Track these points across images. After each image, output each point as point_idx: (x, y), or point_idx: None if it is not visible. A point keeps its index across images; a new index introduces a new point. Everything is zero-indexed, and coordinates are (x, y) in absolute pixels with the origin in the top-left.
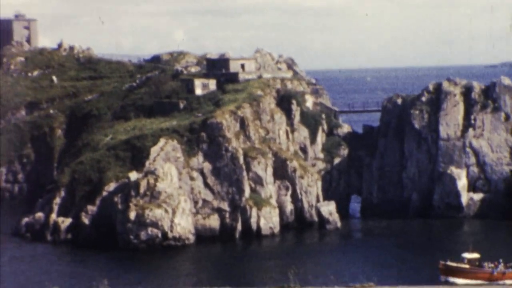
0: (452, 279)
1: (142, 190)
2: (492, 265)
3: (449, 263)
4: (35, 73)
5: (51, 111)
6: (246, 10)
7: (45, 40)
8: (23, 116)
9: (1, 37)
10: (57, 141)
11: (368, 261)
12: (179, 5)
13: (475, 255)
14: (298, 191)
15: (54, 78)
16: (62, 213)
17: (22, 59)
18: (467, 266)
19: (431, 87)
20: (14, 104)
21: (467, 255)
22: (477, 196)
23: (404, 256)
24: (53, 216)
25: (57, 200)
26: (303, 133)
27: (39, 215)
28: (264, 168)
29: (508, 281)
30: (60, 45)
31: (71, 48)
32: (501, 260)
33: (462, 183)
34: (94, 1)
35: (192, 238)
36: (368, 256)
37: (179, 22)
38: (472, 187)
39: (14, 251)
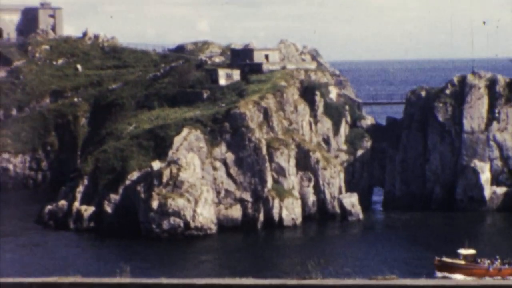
0: (448, 275)
1: (165, 179)
2: (489, 261)
3: (445, 259)
4: (60, 61)
5: (76, 100)
6: (271, 1)
7: (70, 29)
8: (48, 104)
9: (27, 25)
10: (81, 130)
11: (390, 253)
12: None
13: (471, 251)
14: (321, 182)
15: (79, 66)
16: (85, 201)
17: (47, 47)
18: (462, 262)
19: (455, 80)
20: (39, 92)
21: (462, 251)
22: (500, 190)
23: (426, 249)
24: (76, 204)
25: (80, 188)
26: (326, 124)
27: (62, 203)
28: (287, 159)
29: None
30: (85, 34)
31: (96, 37)
32: (497, 257)
33: (485, 176)
34: None
35: (214, 228)
36: (390, 248)
37: (203, 12)
38: (495, 181)
39: (36, 238)
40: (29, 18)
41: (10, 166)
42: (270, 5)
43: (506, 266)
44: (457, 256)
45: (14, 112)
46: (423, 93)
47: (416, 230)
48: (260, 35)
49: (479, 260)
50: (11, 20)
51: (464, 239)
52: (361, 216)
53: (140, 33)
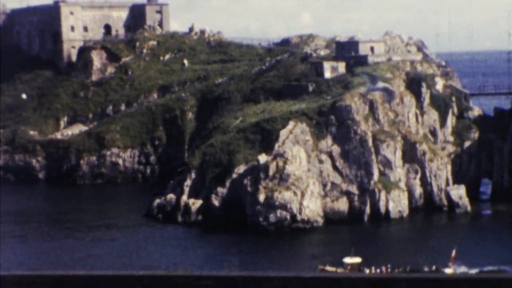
0: None
1: (271, 172)
2: (379, 270)
3: (328, 267)
4: (167, 56)
5: (183, 94)
6: None
7: (176, 24)
8: (155, 99)
9: (134, 22)
10: (188, 124)
11: (500, 245)
12: None
13: (357, 260)
14: (427, 174)
15: (185, 61)
16: (192, 194)
17: (154, 43)
18: (346, 271)
19: None
20: (147, 88)
21: (347, 260)
22: None
23: None
24: (184, 197)
25: (188, 182)
26: (432, 116)
27: (171, 196)
28: (393, 151)
29: None
30: (191, 29)
31: (202, 32)
32: (389, 265)
33: None
34: None
35: (320, 220)
36: (499, 240)
37: (307, 5)
38: None
39: (146, 232)
40: (136, 15)
41: (120, 161)
42: None
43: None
44: (342, 264)
45: (122, 107)
46: None
47: None
48: (364, 27)
49: (365, 269)
50: (119, 17)
51: None
52: (468, 208)
53: (244, 27)
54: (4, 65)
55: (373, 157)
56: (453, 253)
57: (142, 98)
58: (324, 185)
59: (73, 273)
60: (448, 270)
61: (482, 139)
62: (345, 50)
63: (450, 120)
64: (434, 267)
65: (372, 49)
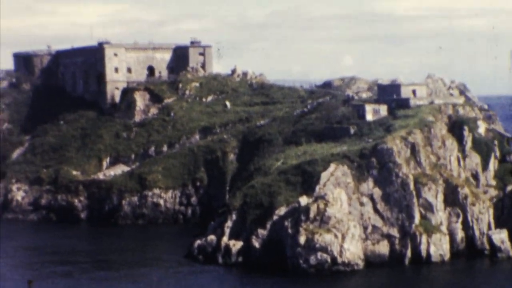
0: None
1: (312, 214)
2: None
3: None
4: (209, 98)
5: (224, 136)
6: (416, 36)
7: (219, 66)
8: (197, 140)
9: (178, 63)
10: (230, 165)
11: None
12: (347, 31)
13: None
14: (469, 218)
15: (228, 103)
16: (233, 236)
17: (197, 84)
18: None
19: None
20: (189, 129)
21: None
22: None
23: None
24: (225, 239)
25: (229, 223)
26: (475, 159)
27: (211, 237)
28: (434, 195)
29: None
30: (233, 71)
31: (244, 74)
32: None
33: None
34: (265, 28)
35: (361, 263)
36: None
37: (348, 48)
38: None
39: (186, 273)
40: (179, 56)
41: (161, 201)
42: (416, 40)
43: None
44: None
45: (164, 148)
46: None
47: None
48: (405, 70)
49: None
50: (163, 59)
51: None
52: (511, 252)
53: (286, 69)
54: (49, 106)
55: (415, 200)
56: None
57: (184, 139)
58: (365, 228)
59: None
60: None
61: None
62: (387, 93)
63: (492, 164)
64: None
65: (414, 92)
